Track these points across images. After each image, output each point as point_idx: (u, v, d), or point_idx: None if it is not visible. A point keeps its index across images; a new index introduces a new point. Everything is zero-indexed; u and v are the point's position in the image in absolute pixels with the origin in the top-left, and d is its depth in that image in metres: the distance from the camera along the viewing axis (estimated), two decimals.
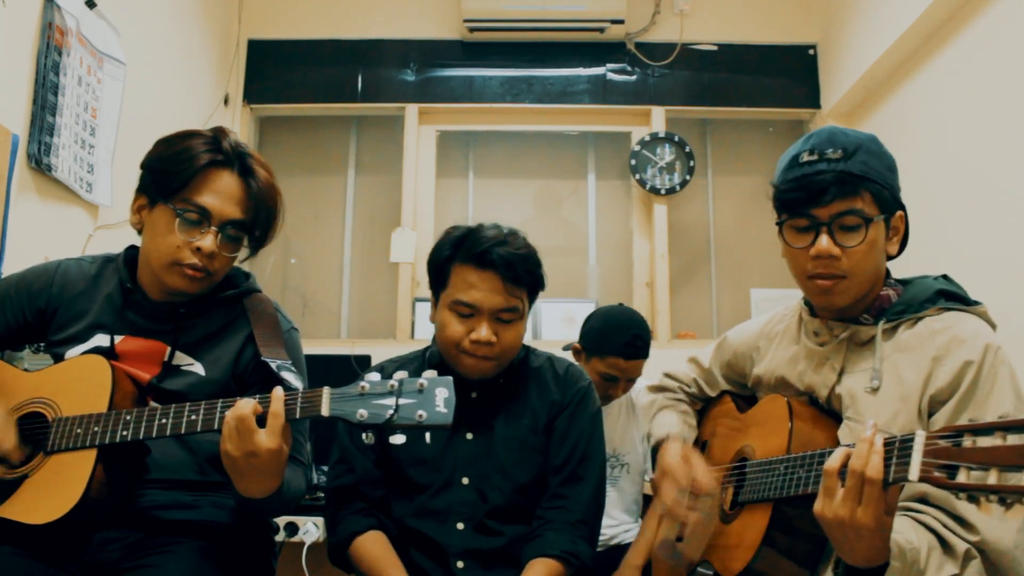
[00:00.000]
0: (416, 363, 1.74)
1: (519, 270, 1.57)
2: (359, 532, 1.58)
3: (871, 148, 1.36)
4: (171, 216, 1.45)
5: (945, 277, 1.44)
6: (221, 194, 1.47)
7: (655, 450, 1.65)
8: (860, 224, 1.33)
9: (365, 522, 1.59)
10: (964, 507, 1.20)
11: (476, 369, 1.59)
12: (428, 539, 1.58)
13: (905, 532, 1.17)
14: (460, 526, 1.58)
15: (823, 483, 1.13)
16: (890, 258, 1.45)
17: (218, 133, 1.51)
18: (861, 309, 1.42)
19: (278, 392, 1.27)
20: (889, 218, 1.38)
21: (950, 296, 1.38)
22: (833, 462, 1.12)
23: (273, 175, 1.57)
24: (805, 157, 1.37)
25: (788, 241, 1.40)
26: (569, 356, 1.97)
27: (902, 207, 1.41)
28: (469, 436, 1.63)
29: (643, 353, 2.29)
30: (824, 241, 1.34)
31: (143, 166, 1.53)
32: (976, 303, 1.39)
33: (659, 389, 1.84)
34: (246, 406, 1.25)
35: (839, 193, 1.32)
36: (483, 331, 1.56)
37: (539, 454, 1.64)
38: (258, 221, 1.53)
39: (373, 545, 1.57)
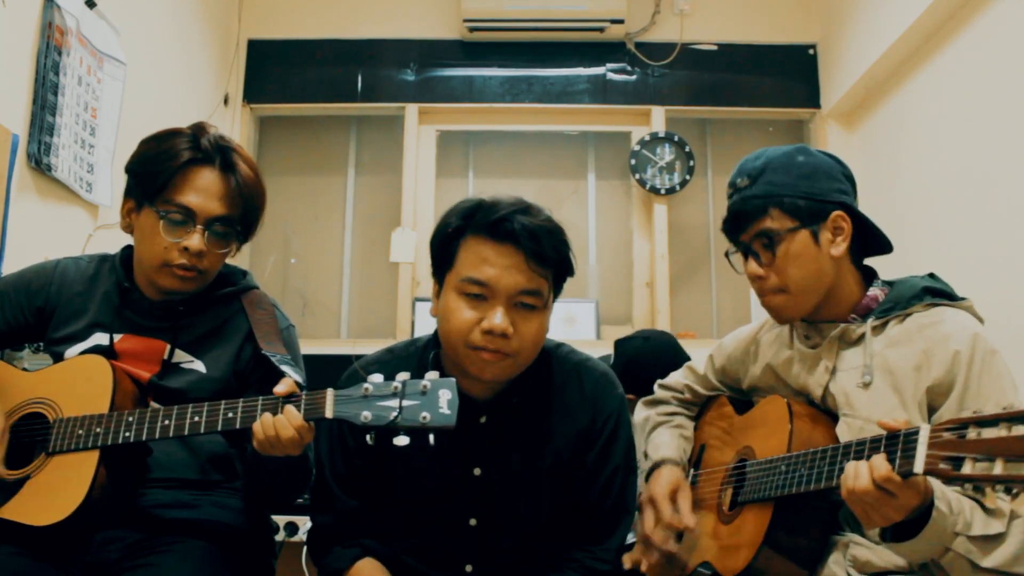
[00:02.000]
0: (414, 358, 1.50)
1: (545, 244, 1.30)
2: (344, 569, 1.43)
3: (779, 164, 1.42)
4: (156, 218, 1.45)
5: (931, 275, 1.46)
6: (203, 192, 1.46)
7: (650, 472, 1.66)
8: (771, 242, 1.40)
9: (349, 555, 1.45)
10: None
11: (488, 370, 1.32)
12: None
13: (944, 490, 1.18)
14: (469, 568, 1.46)
15: (853, 508, 1.15)
16: (867, 251, 1.47)
17: (197, 130, 1.50)
18: (848, 311, 1.44)
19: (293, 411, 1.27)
20: (820, 222, 1.39)
21: (936, 293, 1.41)
22: (849, 484, 1.13)
23: (256, 167, 1.56)
24: (728, 191, 1.48)
25: (736, 269, 1.50)
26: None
27: (842, 206, 1.41)
28: (478, 472, 1.43)
29: None
30: (750, 265, 1.44)
31: (126, 170, 1.52)
32: (962, 299, 1.41)
33: (653, 403, 1.83)
34: (287, 430, 1.26)
35: (749, 217, 1.42)
36: (497, 318, 1.28)
37: (559, 492, 1.46)
38: (244, 215, 1.52)
39: None
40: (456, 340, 1.33)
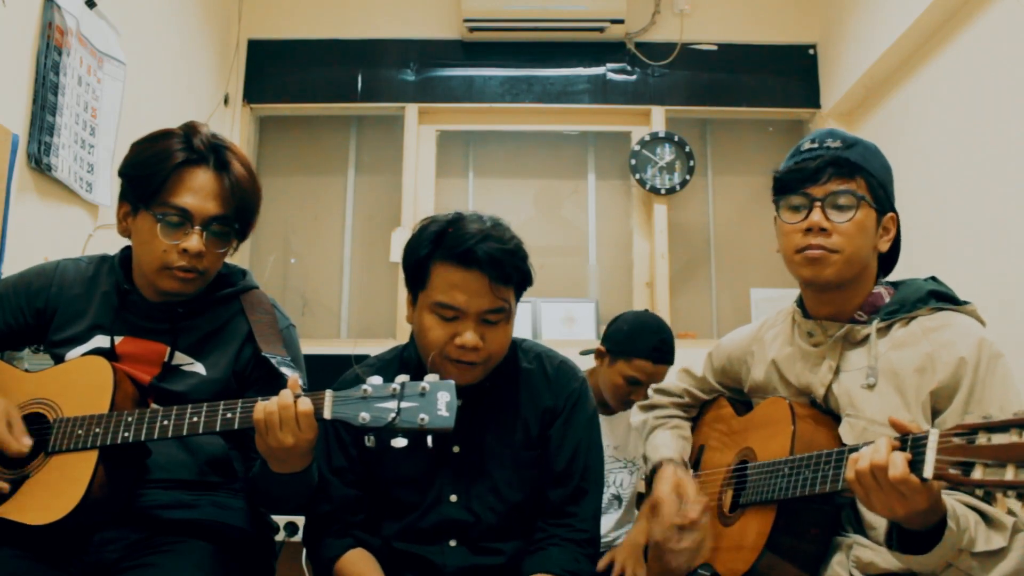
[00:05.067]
0: (394, 366, 1.61)
1: (507, 268, 1.44)
2: (338, 555, 1.50)
3: (870, 147, 1.46)
4: (153, 222, 1.44)
5: (934, 279, 1.47)
6: (199, 192, 1.46)
7: (651, 475, 1.65)
8: (852, 204, 1.40)
9: (342, 544, 1.52)
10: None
11: (461, 377, 1.45)
12: (421, 559, 1.52)
13: (952, 502, 1.18)
14: (453, 543, 1.52)
15: (856, 490, 1.14)
16: (883, 260, 1.49)
17: (189, 130, 1.50)
18: (854, 308, 1.44)
19: (305, 404, 1.27)
20: (881, 215, 1.43)
21: (941, 296, 1.41)
22: (852, 473, 1.13)
23: (250, 164, 1.55)
24: (806, 145, 1.47)
25: (783, 219, 1.46)
26: (586, 361, 1.91)
27: (895, 211, 1.47)
28: (456, 449, 1.53)
29: (669, 359, 2.29)
30: (816, 215, 1.40)
31: (120, 174, 1.52)
32: (966, 303, 1.42)
33: (649, 408, 1.82)
34: (288, 397, 1.26)
35: (835, 173, 1.41)
36: (468, 336, 1.43)
37: (533, 469, 1.56)
38: (240, 213, 1.51)
39: (354, 565, 1.49)
40: (433, 352, 1.47)
